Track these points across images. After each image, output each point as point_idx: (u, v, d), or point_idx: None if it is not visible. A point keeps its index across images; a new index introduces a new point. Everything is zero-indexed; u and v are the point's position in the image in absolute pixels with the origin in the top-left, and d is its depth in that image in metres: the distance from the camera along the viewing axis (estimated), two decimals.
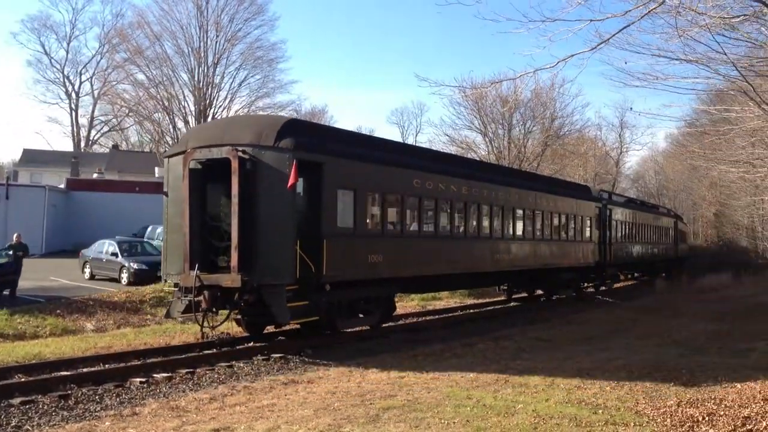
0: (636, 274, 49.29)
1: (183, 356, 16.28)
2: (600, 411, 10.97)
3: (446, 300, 31.49)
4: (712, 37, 18.21)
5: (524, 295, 33.33)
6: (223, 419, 10.88)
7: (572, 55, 14.20)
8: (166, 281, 18.85)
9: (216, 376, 14.72)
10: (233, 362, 15.93)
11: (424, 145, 78.15)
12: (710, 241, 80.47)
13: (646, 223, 47.49)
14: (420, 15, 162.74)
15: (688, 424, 9.97)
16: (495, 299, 32.80)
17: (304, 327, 18.87)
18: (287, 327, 19.03)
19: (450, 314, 26.17)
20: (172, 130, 61.52)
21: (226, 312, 17.49)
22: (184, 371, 14.78)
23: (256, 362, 16.13)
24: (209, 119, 61.82)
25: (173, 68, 61.61)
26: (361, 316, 20.17)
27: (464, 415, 10.70)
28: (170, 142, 61.48)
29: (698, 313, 28.96)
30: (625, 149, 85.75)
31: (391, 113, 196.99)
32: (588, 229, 35.38)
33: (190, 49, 61.61)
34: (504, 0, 15.80)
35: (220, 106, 63.96)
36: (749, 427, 9.60)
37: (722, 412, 10.32)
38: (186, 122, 61.16)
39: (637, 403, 11.50)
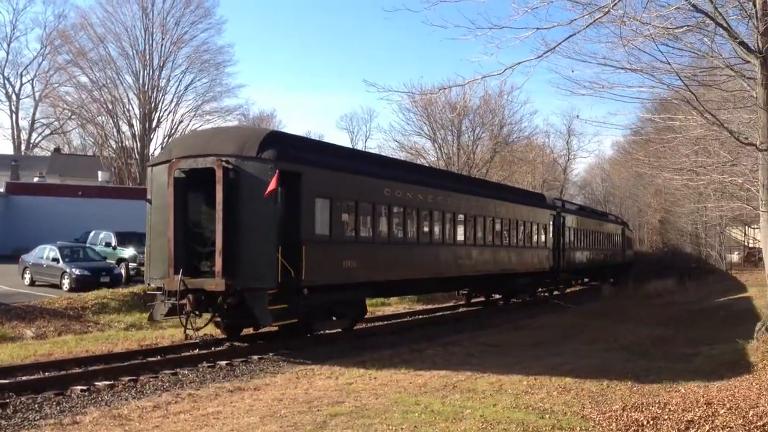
0: (586, 280, 50.59)
1: (126, 364, 16.02)
2: (547, 416, 10.98)
3: (395, 306, 31.44)
4: (656, 47, 18.49)
5: (482, 299, 34.18)
6: (167, 427, 10.67)
7: (519, 63, 14.29)
8: (149, 284, 19.36)
9: (160, 383, 14.47)
10: (178, 369, 15.70)
11: (372, 150, 78.38)
12: (655, 248, 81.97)
13: (596, 230, 49.27)
14: (369, 20, 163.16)
15: (633, 428, 10.02)
16: (444, 305, 32.87)
17: (281, 329, 19.68)
18: (263, 330, 19.86)
19: (399, 320, 26.13)
20: (116, 133, 60.70)
21: (208, 314, 18.35)
22: (127, 379, 14.48)
23: (201, 369, 15.91)
24: (154, 123, 61.10)
25: (117, 71, 60.90)
26: (334, 318, 21.01)
27: (412, 421, 10.61)
28: (114, 146, 60.58)
29: (644, 318, 29.38)
30: (572, 156, 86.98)
31: (341, 118, 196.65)
32: (543, 235, 36.99)
33: (134, 52, 60.93)
34: (452, 7, 15.87)
35: (166, 110, 63.39)
36: (692, 431, 9.67)
37: (666, 416, 10.39)
38: (130, 125, 60.38)
39: (584, 407, 11.54)
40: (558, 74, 43.14)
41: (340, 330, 21.49)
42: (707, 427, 9.73)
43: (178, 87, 64.10)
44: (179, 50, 63.30)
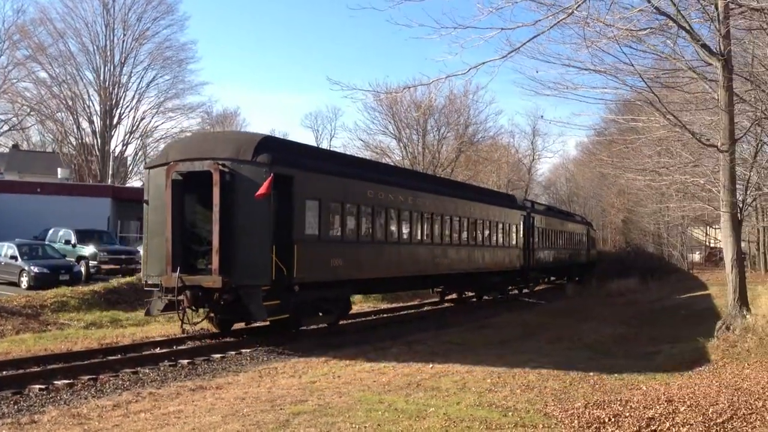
0: (552, 278, 51.53)
1: (85, 362, 15.77)
2: (510, 413, 10.99)
3: (360, 304, 31.34)
4: (620, 49, 18.69)
5: (455, 297, 34.93)
6: (127, 427, 10.50)
7: (483, 63, 14.34)
8: (146, 281, 19.65)
9: (120, 382, 14.26)
10: (138, 368, 15.47)
11: (337, 149, 78.51)
12: (618, 247, 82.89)
13: (563, 230, 50.81)
14: (334, 18, 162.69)
15: (594, 426, 10.07)
16: (409, 303, 32.86)
17: (273, 325, 20.18)
18: (254, 325, 21.11)
19: (363, 319, 26.03)
20: (76, 130, 59.90)
21: (202, 310, 19.16)
22: (87, 378, 14.25)
23: (162, 368, 15.71)
24: (115, 119, 60.46)
25: (77, 66, 60.19)
26: (321, 314, 21.83)
27: (375, 420, 10.56)
28: (74, 143, 59.79)
29: (607, 317, 29.65)
30: (537, 156, 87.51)
31: (305, 117, 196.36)
32: (514, 235, 38.29)
33: (95, 48, 60.27)
34: (417, 6, 15.86)
35: (127, 107, 62.78)
36: (653, 428, 9.75)
37: (628, 414, 10.46)
38: (91, 122, 59.64)
39: (546, 405, 11.58)
40: (523, 74, 43.60)
41: (325, 325, 22.29)
42: (668, 424, 9.80)
43: (139, 83, 63.67)
44: (141, 46, 62.82)
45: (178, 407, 11.77)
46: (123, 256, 29.39)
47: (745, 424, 9.65)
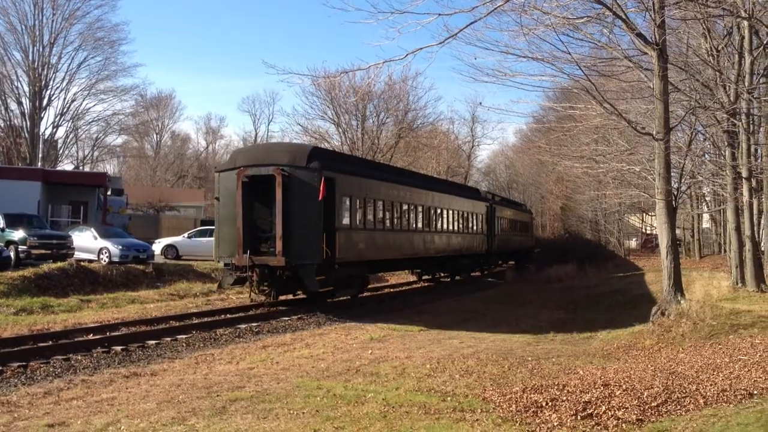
0: (510, 261, 56.99)
1: (15, 349, 15.23)
2: (449, 398, 10.99)
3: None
4: (557, 37, 18.80)
5: (428, 277, 39.07)
6: (59, 414, 10.21)
7: (420, 48, 14.27)
8: (218, 261, 25.13)
9: (51, 369, 13.89)
10: (71, 355, 15.09)
11: (275, 134, 78.39)
12: (557, 234, 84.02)
13: (515, 218, 56.65)
14: (271, 1, 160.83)
15: (532, 410, 10.12)
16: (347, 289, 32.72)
17: (303, 298, 25.57)
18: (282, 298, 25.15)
19: (302, 304, 25.81)
20: (3, 111, 58.31)
21: (242, 282, 23.99)
22: (16, 365, 13.87)
23: (95, 355, 15.34)
24: (45, 101, 59.08)
25: (5, 46, 58.59)
26: (346, 288, 26.62)
27: (314, 405, 10.46)
28: (2, 125, 58.25)
29: (545, 302, 30.02)
30: (476, 143, 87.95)
31: (243, 101, 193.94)
32: (480, 224, 44.05)
33: (23, 27, 58.66)
34: None
35: (58, 88, 61.15)
36: (589, 411, 9.83)
37: (564, 398, 10.54)
38: (19, 103, 58.13)
39: (485, 389, 11.61)
40: (461, 61, 43.99)
41: (349, 297, 27.02)
42: (604, 408, 9.90)
43: (70, 64, 62.09)
44: (71, 26, 61.18)
45: (112, 394, 11.52)
46: (54, 241, 28.50)
47: (678, 407, 9.80)
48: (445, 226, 36.63)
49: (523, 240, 60.10)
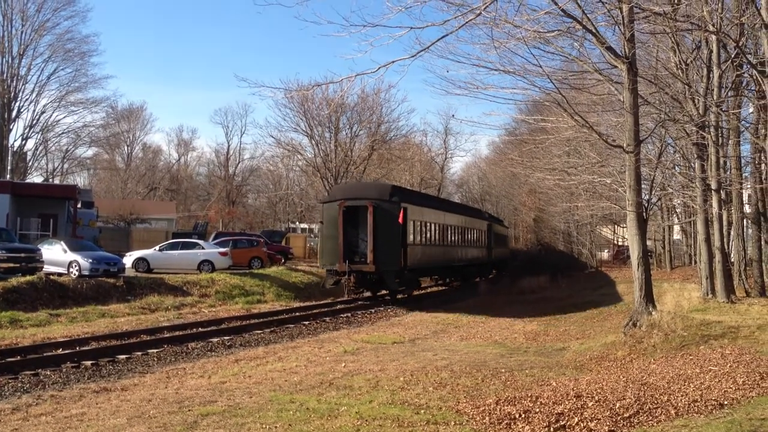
0: (500, 270, 61.80)
1: None
2: (422, 411, 10.96)
3: (271, 303, 31.04)
4: (528, 50, 18.99)
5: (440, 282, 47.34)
6: (27, 430, 10.12)
7: (393, 62, 14.28)
8: (322, 268, 34.01)
9: (20, 384, 13.79)
10: (39, 370, 14.95)
11: (248, 146, 78.31)
12: (530, 245, 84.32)
13: (501, 233, 66.08)
14: (243, 14, 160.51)
15: (505, 422, 10.12)
16: (322, 302, 32.68)
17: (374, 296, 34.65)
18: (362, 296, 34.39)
19: (275, 317, 25.72)
20: None
21: (339, 284, 33.07)
22: None
23: (64, 370, 15.20)
24: (14, 113, 58.60)
25: None
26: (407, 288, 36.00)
27: (287, 420, 10.38)
28: None
29: (518, 314, 30.09)
30: (449, 155, 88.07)
31: (215, 113, 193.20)
32: (483, 238, 54.68)
33: None
34: (326, 3, 15.74)
35: (27, 99, 60.63)
36: (562, 423, 9.85)
37: (538, 410, 10.55)
38: None
39: (458, 402, 11.60)
40: (434, 74, 43.96)
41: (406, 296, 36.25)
42: (576, 419, 9.92)
43: (39, 76, 61.77)
44: (41, 38, 60.78)
45: (81, 410, 11.40)
46: (23, 255, 27.98)
47: (650, 418, 9.85)
48: (465, 240, 48.14)
49: (504, 251, 67.35)
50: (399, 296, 34.63)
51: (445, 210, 43.52)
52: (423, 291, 42.08)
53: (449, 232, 43.24)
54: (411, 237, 34.04)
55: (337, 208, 32.15)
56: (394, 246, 31.71)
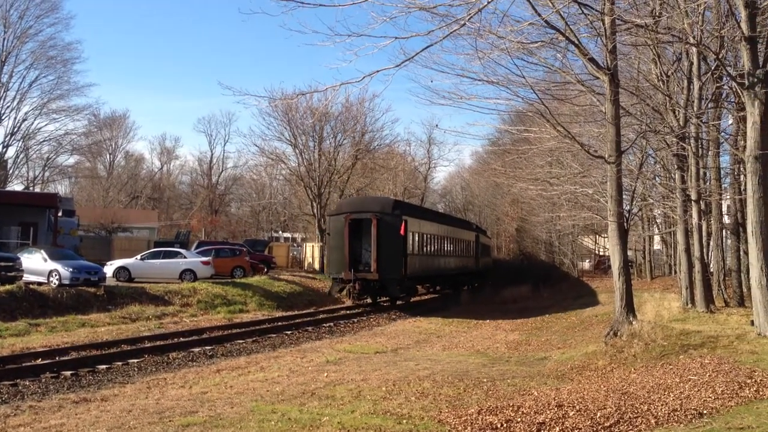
0: (486, 279, 62.54)
1: None
2: (404, 421, 10.96)
3: (254, 312, 30.89)
4: (512, 61, 19.12)
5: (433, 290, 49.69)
6: None
7: (377, 71, 14.33)
8: (329, 276, 37.15)
9: None
10: (18, 380, 14.78)
11: (231, 155, 78.49)
12: (512, 255, 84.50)
13: (485, 243, 67.53)
14: (228, 23, 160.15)
15: (487, 431, 10.13)
16: (304, 311, 32.61)
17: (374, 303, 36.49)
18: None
19: (257, 327, 25.62)
20: None
21: (344, 290, 35.85)
22: None
23: (44, 380, 15.06)
24: None
25: None
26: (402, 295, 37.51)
27: (268, 430, 10.37)
28: None
29: (500, 323, 30.16)
30: (433, 165, 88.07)
31: (198, 121, 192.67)
32: (472, 248, 56.98)
33: None
34: (311, 12, 15.84)
35: (8, 107, 60.17)
36: None
37: (519, 419, 10.58)
38: None
39: (440, 411, 11.60)
40: (418, 83, 44.20)
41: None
42: (557, 429, 9.96)
43: (21, 83, 61.19)
44: (23, 45, 60.31)
45: (60, 420, 11.31)
46: (2, 263, 27.71)
47: (631, 427, 9.90)
48: (457, 250, 51.03)
49: (488, 261, 69.22)
50: (399, 302, 36.91)
51: (440, 222, 46.90)
52: (419, 298, 43.95)
53: (443, 242, 46.30)
54: (411, 248, 36.79)
55: (343, 220, 34.77)
56: (396, 256, 34.33)
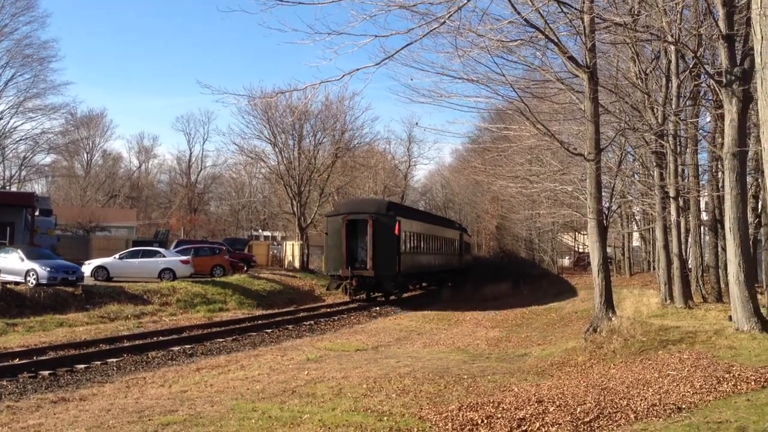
0: (467, 276, 62.45)
1: None
2: (385, 418, 10.95)
3: (234, 311, 30.78)
4: (492, 59, 19.20)
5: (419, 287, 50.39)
6: None
7: (357, 69, 14.30)
8: (327, 273, 39.16)
9: None
10: None
11: (210, 153, 77.91)
12: (492, 252, 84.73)
13: (467, 241, 69.97)
14: (206, 21, 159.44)
15: (468, 428, 10.15)
16: (284, 310, 32.53)
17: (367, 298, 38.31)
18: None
19: (237, 325, 25.52)
20: None
21: (341, 287, 37.79)
22: None
23: (21, 380, 14.93)
24: None
25: None
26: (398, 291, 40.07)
27: (249, 428, 10.31)
28: None
29: (480, 320, 30.22)
30: (413, 163, 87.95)
31: (177, 120, 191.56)
32: (456, 246, 59.87)
33: None
34: (290, 10, 15.81)
35: None
36: (524, 428, 9.90)
37: (500, 415, 10.59)
38: None
39: (421, 408, 11.60)
40: (398, 82, 44.50)
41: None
42: (538, 424, 9.99)
43: None
44: None
45: (39, 420, 11.21)
46: None
47: (610, 422, 9.94)
48: (444, 249, 53.24)
49: (469, 259, 70.65)
50: (392, 297, 39.08)
51: (429, 222, 50.21)
52: (409, 294, 45.08)
53: (432, 241, 48.86)
54: (404, 246, 39.10)
55: (340, 221, 37.15)
56: (390, 254, 36.70)
